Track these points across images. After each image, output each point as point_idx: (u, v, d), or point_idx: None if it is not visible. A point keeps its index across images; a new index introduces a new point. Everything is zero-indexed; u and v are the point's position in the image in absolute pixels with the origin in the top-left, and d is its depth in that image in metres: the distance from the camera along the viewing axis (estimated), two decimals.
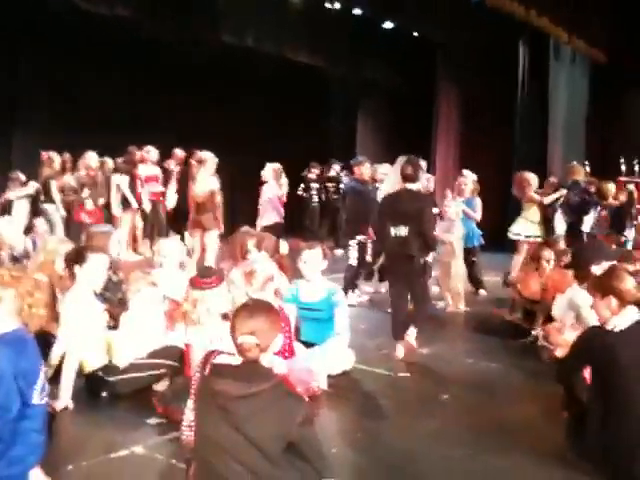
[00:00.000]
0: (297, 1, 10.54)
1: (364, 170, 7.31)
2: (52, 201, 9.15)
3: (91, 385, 4.17)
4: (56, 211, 9.18)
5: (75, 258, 4.16)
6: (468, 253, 7.43)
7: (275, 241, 5.43)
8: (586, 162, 11.84)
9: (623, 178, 11.96)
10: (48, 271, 4.54)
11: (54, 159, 9.34)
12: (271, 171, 7.94)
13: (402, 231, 5.00)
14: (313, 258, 4.78)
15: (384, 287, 7.25)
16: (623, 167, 11.97)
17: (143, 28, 10.08)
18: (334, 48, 12.35)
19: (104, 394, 4.11)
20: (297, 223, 11.71)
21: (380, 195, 6.64)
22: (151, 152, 9.75)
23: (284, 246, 5.44)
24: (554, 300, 5.56)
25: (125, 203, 9.61)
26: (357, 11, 10.87)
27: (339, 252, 11.87)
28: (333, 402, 4.15)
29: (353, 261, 7.04)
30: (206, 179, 7.41)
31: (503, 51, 12.55)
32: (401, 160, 6.73)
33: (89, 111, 10.65)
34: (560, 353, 3.80)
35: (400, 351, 5.05)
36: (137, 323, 4.22)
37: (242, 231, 5.64)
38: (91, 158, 9.58)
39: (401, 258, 5.08)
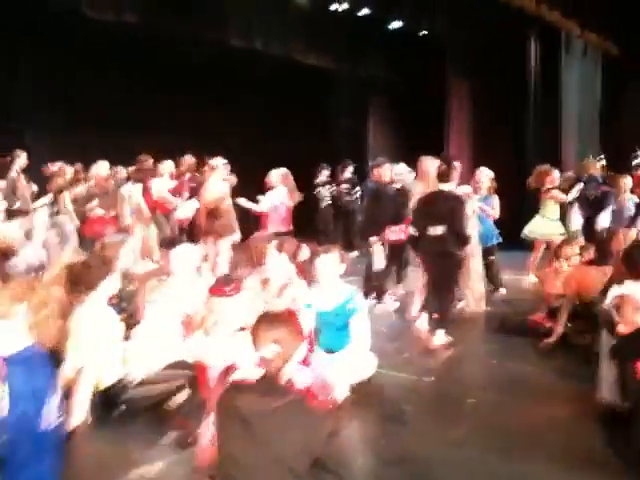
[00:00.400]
0: (303, 2, 10.42)
1: (384, 172, 7.15)
2: (64, 212, 9.12)
3: (105, 400, 4.04)
4: (69, 222, 9.15)
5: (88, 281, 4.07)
6: (486, 252, 7.28)
7: (296, 245, 5.32)
8: (602, 156, 11.70)
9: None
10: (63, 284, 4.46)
11: (65, 170, 9.30)
12: (279, 177, 7.78)
13: (438, 230, 5.48)
14: (330, 262, 4.66)
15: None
16: (638, 160, 11.79)
17: (145, 29, 10.02)
18: (342, 48, 12.28)
19: (119, 409, 4.00)
20: (309, 226, 11.60)
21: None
22: (165, 165, 9.64)
23: (305, 252, 5.32)
24: (578, 297, 5.47)
25: (137, 212, 9.57)
26: (364, 11, 10.78)
27: (354, 254, 11.81)
28: (357, 410, 4.02)
29: (380, 264, 6.89)
30: (216, 185, 7.32)
31: (513, 46, 12.40)
32: (425, 159, 6.67)
33: (87, 112, 10.64)
34: (623, 329, 3.58)
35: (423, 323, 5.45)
36: (152, 335, 4.13)
37: (257, 237, 5.57)
38: (100, 167, 9.52)
39: (438, 255, 5.57)
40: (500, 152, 13.15)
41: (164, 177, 9.57)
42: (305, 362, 3.94)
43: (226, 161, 7.53)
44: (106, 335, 4.01)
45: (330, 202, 12.23)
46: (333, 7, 10.81)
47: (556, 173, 8.18)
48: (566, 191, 8.60)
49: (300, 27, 11.11)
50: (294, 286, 4.95)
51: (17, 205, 8.46)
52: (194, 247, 5.29)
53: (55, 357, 3.64)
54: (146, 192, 9.44)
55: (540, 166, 8.55)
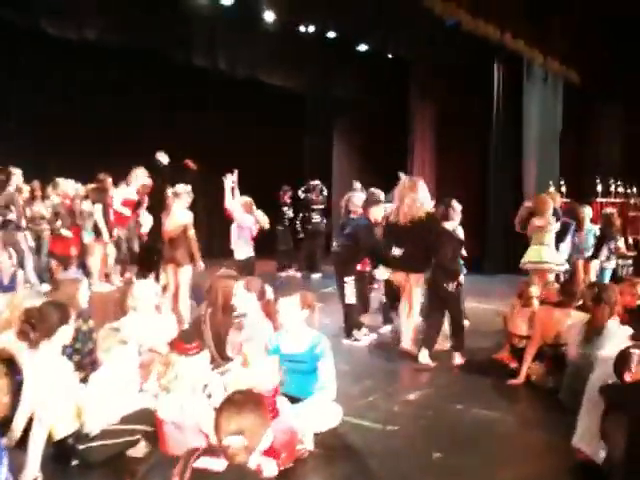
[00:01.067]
0: (270, 25, 10.32)
1: (378, 212, 6.91)
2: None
3: (60, 453, 3.86)
4: (24, 241, 8.84)
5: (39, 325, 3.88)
6: None
7: (261, 285, 5.19)
8: (562, 182, 11.87)
9: (600, 199, 12.01)
10: (14, 327, 4.25)
11: (22, 187, 9.00)
12: (239, 206, 7.65)
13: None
14: (289, 307, 4.52)
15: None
16: (599, 187, 12.00)
17: (111, 49, 9.85)
18: (308, 69, 12.24)
19: (74, 463, 3.82)
20: (268, 247, 11.47)
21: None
22: (139, 174, 9.38)
23: (269, 291, 5.19)
24: (543, 338, 5.45)
25: (97, 231, 9.33)
26: (331, 34, 10.74)
27: (316, 276, 11.71)
28: (320, 464, 3.92)
29: (352, 299, 6.81)
30: (179, 213, 7.14)
31: (478, 70, 12.53)
32: (405, 180, 6.55)
33: (46, 129, 10.44)
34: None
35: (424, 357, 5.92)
36: (108, 385, 3.94)
37: (222, 275, 5.41)
38: (68, 185, 9.23)
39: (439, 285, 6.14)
40: (463, 174, 13.26)
41: (128, 187, 9.39)
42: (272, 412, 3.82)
43: (190, 189, 7.32)
44: (60, 384, 3.82)
45: (288, 223, 12.17)
46: (301, 29, 10.75)
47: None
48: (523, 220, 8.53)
49: (266, 48, 11.01)
50: (262, 330, 4.84)
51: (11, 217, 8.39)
52: (152, 284, 5.13)
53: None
54: (106, 209, 9.24)
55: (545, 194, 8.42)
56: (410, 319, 6.38)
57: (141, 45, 9.60)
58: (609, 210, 9.70)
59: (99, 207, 9.18)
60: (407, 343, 6.37)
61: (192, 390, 3.68)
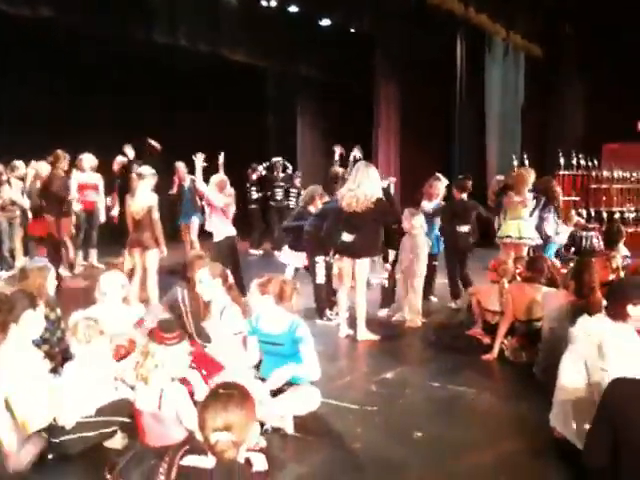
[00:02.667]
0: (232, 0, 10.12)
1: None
2: None
3: None
4: None
5: (7, 309, 3.75)
6: (430, 259, 7.20)
7: (223, 269, 5.10)
8: (524, 156, 11.97)
9: (562, 172, 12.16)
10: None
11: None
12: (214, 185, 7.46)
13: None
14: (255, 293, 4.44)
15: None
16: (562, 161, 12.14)
17: (63, 25, 9.52)
18: (271, 46, 12.07)
19: (50, 456, 3.71)
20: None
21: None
22: (84, 159, 9.20)
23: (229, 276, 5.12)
24: (515, 314, 5.50)
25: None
26: (293, 8, 10.56)
27: (277, 254, 11.60)
28: (301, 448, 3.89)
29: (321, 279, 6.83)
30: (144, 195, 6.96)
31: (441, 46, 12.52)
32: (361, 165, 6.45)
33: (5, 110, 10.11)
34: None
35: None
36: (84, 376, 3.83)
37: (196, 255, 5.35)
38: (42, 166, 8.91)
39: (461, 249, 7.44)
40: (427, 149, 13.29)
41: (86, 171, 9.21)
42: None
43: (154, 171, 7.14)
44: (31, 375, 3.71)
45: (259, 201, 12.00)
46: (263, 3, 10.56)
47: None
48: (496, 194, 8.56)
49: (228, 23, 10.81)
50: (230, 311, 4.78)
51: None
52: (118, 275, 5.01)
53: None
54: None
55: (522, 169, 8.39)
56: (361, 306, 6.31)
57: (100, 23, 9.28)
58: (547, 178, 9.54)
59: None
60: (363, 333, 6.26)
61: (171, 380, 3.59)
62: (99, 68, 11.16)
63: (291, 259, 7.44)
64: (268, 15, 11.05)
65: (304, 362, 4.20)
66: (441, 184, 7.89)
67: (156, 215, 6.96)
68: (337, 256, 6.36)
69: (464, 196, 7.54)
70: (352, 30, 11.55)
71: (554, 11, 12.38)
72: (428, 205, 7.69)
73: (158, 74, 11.96)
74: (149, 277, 7.04)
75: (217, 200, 7.33)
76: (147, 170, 7.10)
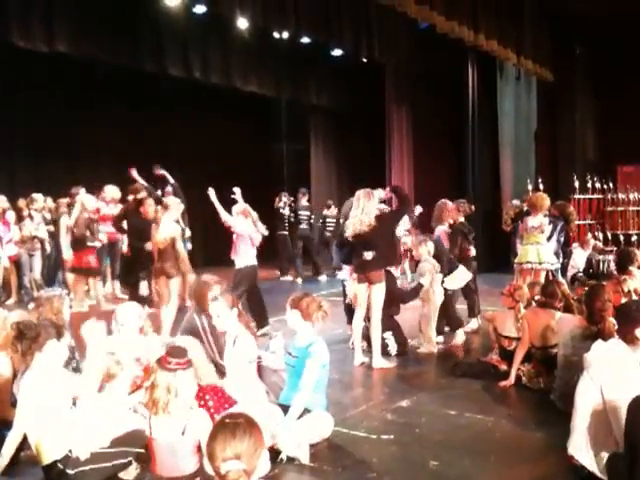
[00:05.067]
0: (244, 31, 10.29)
1: None
2: None
3: (50, 478, 3.78)
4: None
5: (34, 336, 3.81)
6: None
7: (234, 297, 5.12)
8: (539, 179, 11.94)
9: (577, 196, 12.12)
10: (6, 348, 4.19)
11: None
12: (237, 214, 7.54)
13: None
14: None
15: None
16: (577, 184, 12.10)
17: (87, 60, 9.74)
18: (283, 76, 12.25)
19: None
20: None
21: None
22: (107, 190, 9.33)
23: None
24: (531, 340, 5.45)
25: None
26: (305, 39, 10.70)
27: (323, 278, 11.69)
28: (316, 478, 3.87)
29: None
30: (167, 225, 7.09)
31: (452, 72, 12.60)
32: (361, 193, 6.52)
33: (22, 142, 10.32)
34: None
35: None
36: (99, 407, 3.84)
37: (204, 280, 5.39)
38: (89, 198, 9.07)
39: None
40: (440, 175, 13.31)
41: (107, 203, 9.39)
42: None
43: (179, 201, 7.30)
44: (53, 404, 3.74)
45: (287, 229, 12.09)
46: (275, 35, 10.73)
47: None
48: (512, 220, 8.53)
49: (241, 55, 10.99)
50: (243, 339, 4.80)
51: None
52: (135, 306, 5.06)
53: None
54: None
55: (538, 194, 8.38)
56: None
57: (113, 56, 9.47)
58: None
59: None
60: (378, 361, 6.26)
61: (189, 408, 3.62)
62: (112, 101, 11.36)
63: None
64: (280, 46, 11.21)
65: (302, 378, 4.25)
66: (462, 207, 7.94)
67: (179, 245, 7.08)
68: (355, 277, 6.43)
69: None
70: (363, 59, 11.65)
71: (564, 34, 12.42)
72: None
73: (171, 106, 12.16)
74: (170, 305, 7.12)
75: (244, 228, 7.39)
76: (173, 201, 7.25)
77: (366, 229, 6.10)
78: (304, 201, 12.25)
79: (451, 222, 7.53)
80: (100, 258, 9.18)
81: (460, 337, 6.82)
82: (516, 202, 8.92)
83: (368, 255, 6.15)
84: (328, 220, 12.37)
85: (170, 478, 3.61)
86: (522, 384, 5.41)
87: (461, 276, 7.13)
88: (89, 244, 8.69)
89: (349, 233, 6.21)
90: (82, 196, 8.93)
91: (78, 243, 8.68)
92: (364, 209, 6.16)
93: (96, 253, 8.86)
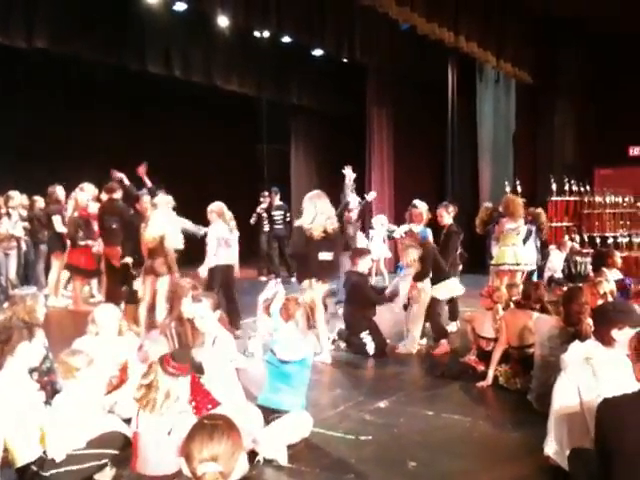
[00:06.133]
0: (226, 30, 10.25)
1: None
2: None
3: (24, 478, 3.72)
4: None
5: (6, 339, 3.76)
6: None
7: (216, 298, 5.11)
8: (517, 182, 12.03)
9: (554, 198, 12.23)
10: None
11: None
12: (212, 214, 7.50)
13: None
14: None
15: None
16: (554, 186, 12.20)
17: (66, 58, 9.63)
18: (264, 75, 12.21)
19: None
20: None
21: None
22: (87, 189, 9.19)
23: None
24: (509, 340, 5.49)
25: (54, 245, 9.16)
26: (286, 39, 10.67)
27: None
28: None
29: None
30: (156, 224, 7.04)
31: (432, 73, 12.65)
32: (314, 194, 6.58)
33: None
34: None
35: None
36: (74, 408, 3.79)
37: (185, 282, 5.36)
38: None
39: None
40: (420, 176, 13.37)
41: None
42: None
43: (170, 199, 7.25)
44: (24, 406, 3.68)
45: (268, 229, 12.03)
46: (256, 34, 10.70)
47: None
48: (484, 222, 8.54)
49: (222, 54, 10.94)
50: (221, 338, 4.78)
51: None
52: (113, 308, 5.01)
53: None
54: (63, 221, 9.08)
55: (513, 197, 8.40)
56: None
57: (93, 54, 9.37)
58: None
59: (57, 218, 9.04)
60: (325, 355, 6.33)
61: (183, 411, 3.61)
62: (92, 99, 11.26)
63: None
64: (261, 46, 11.18)
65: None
66: (419, 210, 7.92)
67: (168, 243, 7.03)
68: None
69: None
70: (344, 59, 11.65)
71: (544, 37, 12.54)
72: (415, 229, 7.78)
73: (152, 105, 12.07)
74: (158, 303, 7.05)
75: (212, 230, 7.36)
76: (161, 199, 7.20)
77: (331, 232, 6.23)
78: (277, 200, 12.17)
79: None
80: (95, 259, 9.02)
81: (443, 347, 6.73)
82: (488, 204, 8.95)
83: (328, 256, 6.26)
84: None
85: (151, 477, 3.59)
86: (499, 385, 5.45)
87: (453, 287, 7.12)
88: (80, 243, 8.62)
89: (317, 233, 6.23)
90: (77, 194, 8.81)
91: (71, 242, 8.66)
92: (324, 212, 6.27)
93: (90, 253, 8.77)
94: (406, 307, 7.15)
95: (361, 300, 6.64)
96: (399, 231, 7.77)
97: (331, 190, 10.74)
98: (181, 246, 7.20)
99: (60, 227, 9.10)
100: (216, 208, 7.48)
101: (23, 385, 3.81)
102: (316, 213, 6.29)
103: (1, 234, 8.96)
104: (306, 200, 6.47)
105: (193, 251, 7.65)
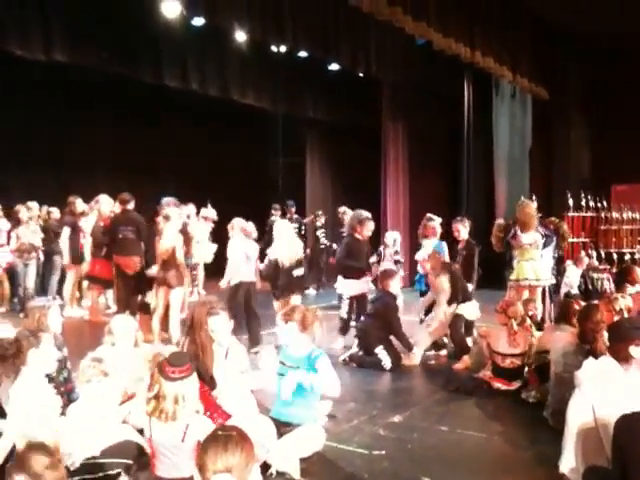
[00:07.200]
0: (242, 44, 10.34)
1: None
2: None
3: None
4: None
5: (16, 353, 3.79)
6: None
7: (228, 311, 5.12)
8: (533, 197, 11.98)
9: (571, 214, 12.15)
10: None
11: None
12: (238, 229, 7.53)
13: None
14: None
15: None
16: (570, 202, 12.13)
17: (86, 72, 9.77)
18: (280, 89, 12.30)
19: None
20: None
21: None
22: (101, 202, 9.22)
23: None
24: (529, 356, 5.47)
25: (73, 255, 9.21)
26: (302, 53, 10.74)
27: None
28: None
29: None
30: (170, 236, 7.14)
31: (448, 87, 12.66)
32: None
33: (15, 150, 10.33)
34: None
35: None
36: (88, 417, 3.82)
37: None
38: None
39: None
40: (435, 191, 13.35)
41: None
42: None
43: (181, 212, 7.37)
44: (38, 413, 3.71)
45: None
46: (272, 49, 10.78)
47: None
48: (501, 238, 8.48)
49: (238, 68, 11.05)
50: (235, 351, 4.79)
51: None
52: (129, 318, 5.05)
53: None
54: (76, 233, 9.13)
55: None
56: None
57: (111, 67, 9.50)
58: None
59: (66, 230, 9.11)
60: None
61: (195, 413, 3.60)
62: (108, 112, 11.38)
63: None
64: (277, 60, 11.26)
65: (321, 375, 4.30)
66: (434, 223, 7.94)
67: (179, 254, 7.14)
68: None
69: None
70: (359, 74, 11.70)
71: (560, 53, 12.52)
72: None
73: (167, 118, 12.19)
74: (172, 316, 7.12)
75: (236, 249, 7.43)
76: (173, 212, 7.26)
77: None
78: (292, 214, 12.22)
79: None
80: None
81: (464, 362, 6.58)
82: (500, 221, 8.89)
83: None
84: (319, 230, 12.40)
85: (169, 479, 3.61)
86: (516, 400, 5.41)
87: (473, 309, 7.10)
88: (102, 253, 8.58)
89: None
90: (100, 204, 8.81)
91: (93, 252, 8.65)
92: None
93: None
94: (421, 321, 7.16)
95: (385, 323, 6.68)
96: (421, 254, 7.78)
97: (346, 203, 10.83)
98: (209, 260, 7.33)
99: (65, 240, 9.05)
100: (236, 223, 7.55)
101: (38, 391, 3.83)
102: None
103: (22, 244, 9.04)
104: None
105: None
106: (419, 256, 7.92)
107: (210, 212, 9.36)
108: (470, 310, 6.97)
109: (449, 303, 6.78)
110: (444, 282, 6.73)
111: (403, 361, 6.70)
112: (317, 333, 4.58)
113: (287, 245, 7.20)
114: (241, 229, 7.44)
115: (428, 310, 7.23)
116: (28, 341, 4.12)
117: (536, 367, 5.51)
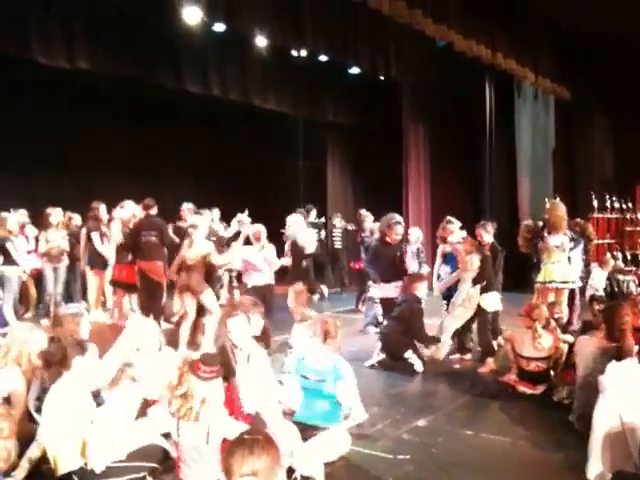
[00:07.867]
0: (263, 50, 10.39)
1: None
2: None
3: None
4: (14, 275, 8.72)
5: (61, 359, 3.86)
6: None
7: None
8: (557, 198, 11.86)
9: (596, 215, 12.02)
10: (21, 364, 4.22)
11: (6, 219, 8.87)
12: (255, 234, 7.63)
13: None
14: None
15: None
16: (595, 203, 12.00)
17: (106, 79, 9.88)
18: (301, 93, 12.33)
19: None
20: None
21: None
22: (125, 207, 9.29)
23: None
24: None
25: (93, 261, 9.25)
26: (323, 57, 10.76)
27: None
28: None
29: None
30: (200, 243, 7.21)
31: (470, 89, 12.61)
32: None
33: (39, 158, 10.43)
34: None
35: None
36: (115, 420, 3.84)
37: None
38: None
39: None
40: (457, 193, 13.27)
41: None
42: None
43: (206, 219, 7.51)
44: (73, 418, 3.75)
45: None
46: (293, 53, 10.82)
47: None
48: (528, 240, 8.43)
49: (259, 73, 11.10)
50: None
51: None
52: (153, 323, 5.08)
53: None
54: (101, 238, 9.19)
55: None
56: None
57: (134, 73, 9.60)
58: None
59: (96, 235, 9.15)
60: None
61: (218, 415, 3.62)
62: (130, 117, 11.45)
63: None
64: (298, 64, 11.30)
65: (344, 399, 4.33)
66: (453, 226, 7.90)
67: (214, 260, 7.28)
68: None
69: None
70: (380, 77, 11.69)
71: (581, 53, 12.40)
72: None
73: (187, 123, 12.25)
74: (209, 320, 7.06)
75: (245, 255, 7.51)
76: (199, 220, 7.34)
77: None
78: (312, 218, 12.22)
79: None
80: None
81: (489, 366, 6.56)
82: (528, 222, 8.81)
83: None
84: (335, 232, 12.43)
85: None
86: (541, 404, 5.36)
87: (497, 300, 7.09)
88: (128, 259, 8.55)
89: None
90: (121, 211, 8.82)
91: (117, 258, 8.68)
92: None
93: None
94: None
95: (409, 327, 6.66)
96: (455, 237, 7.70)
97: (367, 207, 10.80)
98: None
99: (99, 245, 9.15)
100: (257, 229, 7.64)
101: (75, 396, 3.85)
102: None
103: (52, 249, 9.03)
104: None
105: None
106: (454, 238, 7.76)
107: (245, 218, 9.21)
108: (491, 301, 6.92)
109: (474, 282, 6.73)
110: (475, 260, 6.71)
111: (431, 353, 6.71)
112: (339, 345, 4.60)
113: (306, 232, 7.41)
114: (253, 234, 7.54)
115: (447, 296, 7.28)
116: (73, 349, 4.16)
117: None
